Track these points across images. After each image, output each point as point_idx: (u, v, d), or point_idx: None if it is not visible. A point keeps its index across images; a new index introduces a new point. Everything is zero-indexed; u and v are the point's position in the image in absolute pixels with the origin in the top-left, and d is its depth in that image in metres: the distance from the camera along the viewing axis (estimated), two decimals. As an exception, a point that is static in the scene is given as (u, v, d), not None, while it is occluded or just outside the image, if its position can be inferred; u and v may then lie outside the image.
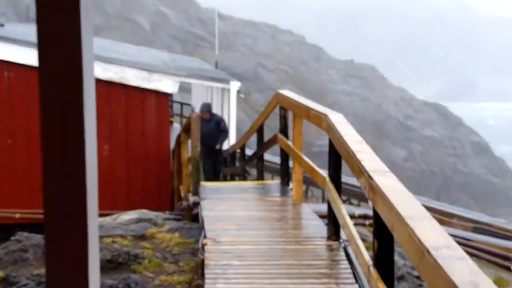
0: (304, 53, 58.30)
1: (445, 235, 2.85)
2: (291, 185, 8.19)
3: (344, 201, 26.21)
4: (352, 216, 10.32)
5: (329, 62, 60.54)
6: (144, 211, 8.35)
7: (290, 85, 48.11)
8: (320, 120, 6.04)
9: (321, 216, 6.91)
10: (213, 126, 12.33)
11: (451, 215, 17.54)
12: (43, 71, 1.34)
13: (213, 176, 12.46)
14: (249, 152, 13.93)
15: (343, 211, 5.10)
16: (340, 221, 5.20)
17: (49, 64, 1.35)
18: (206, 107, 12.40)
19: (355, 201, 22.16)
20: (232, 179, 12.95)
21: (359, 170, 4.24)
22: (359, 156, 4.39)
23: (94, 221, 1.50)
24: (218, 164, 12.68)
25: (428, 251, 2.60)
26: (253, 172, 15.13)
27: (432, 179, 49.12)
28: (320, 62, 59.27)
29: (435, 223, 3.06)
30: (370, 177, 3.92)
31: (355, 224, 9.99)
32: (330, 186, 5.68)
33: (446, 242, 2.75)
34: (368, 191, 3.99)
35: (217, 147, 12.34)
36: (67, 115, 1.40)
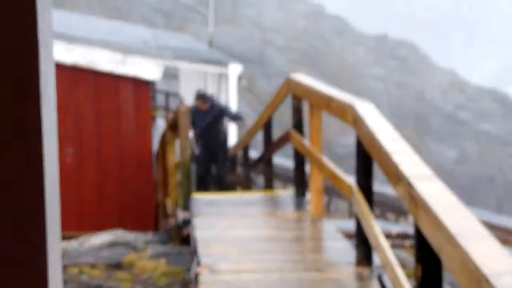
0: (323, 27, 58.31)
1: (509, 258, 2.85)
2: (308, 196, 8.21)
3: (377, 216, 26.29)
4: (388, 236, 10.38)
5: (356, 38, 60.55)
6: (120, 232, 8.38)
7: (305, 68, 48.14)
8: (345, 112, 6.05)
9: (348, 236, 6.92)
10: (213, 117, 12.26)
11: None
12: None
13: (217, 183, 12.42)
14: (254, 154, 13.94)
15: (376, 228, 5.10)
16: (372, 242, 5.20)
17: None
18: (203, 93, 12.39)
19: (391, 216, 22.16)
20: (233, 189, 12.98)
21: (396, 176, 4.24)
22: (396, 157, 4.39)
23: (56, 246, 1.49)
24: (223, 168, 12.65)
25: (486, 279, 2.59)
26: (259, 180, 15.15)
27: (491, 187, 49.08)
28: (344, 38, 59.29)
29: (495, 243, 3.05)
30: (410, 184, 3.92)
31: (392, 246, 10.04)
32: (359, 197, 5.68)
33: (510, 267, 2.75)
34: (408, 203, 3.99)
35: (241, 122, 12.48)
36: (20, 109, 1.40)
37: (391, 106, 50.48)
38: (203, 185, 12.58)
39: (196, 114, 12.10)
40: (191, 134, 11.68)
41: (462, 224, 3.25)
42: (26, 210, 1.40)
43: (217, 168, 12.56)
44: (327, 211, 29.03)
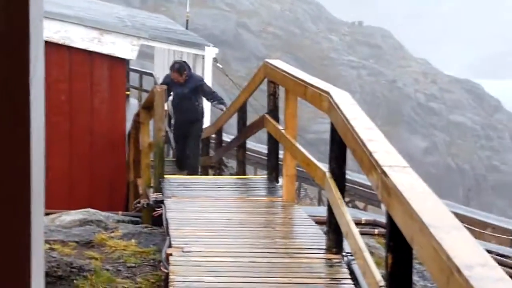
0: (299, 12, 58.29)
1: (480, 250, 2.90)
2: (280, 181, 8.25)
3: (347, 203, 26.41)
4: (357, 223, 10.42)
5: (332, 25, 60.63)
6: (92, 210, 8.37)
7: (280, 53, 48.17)
8: (320, 99, 6.08)
9: (319, 222, 6.97)
10: (189, 92, 11.71)
11: (484, 225, 17.75)
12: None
13: (189, 164, 11.85)
14: (226, 138, 13.95)
15: (347, 216, 5.15)
16: (343, 229, 5.25)
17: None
18: (180, 66, 11.85)
19: (360, 204, 22.32)
20: (205, 172, 12.98)
21: (370, 165, 4.28)
22: (371, 146, 4.43)
23: (39, 224, 1.51)
24: (196, 148, 12.08)
25: (458, 270, 2.63)
26: (232, 163, 15.18)
27: (461, 178, 49.53)
28: (320, 24, 59.33)
29: (468, 234, 3.10)
30: (384, 173, 3.95)
31: (362, 234, 10.10)
32: (332, 184, 5.72)
33: (482, 259, 2.79)
34: (381, 192, 4.03)
35: (222, 107, 11.70)
36: (9, 87, 1.42)
37: (363, 93, 50.70)
38: (179, 164, 12.17)
39: (171, 85, 11.53)
40: (167, 103, 11.30)
41: (435, 215, 3.29)
42: (12, 187, 1.42)
43: (189, 146, 11.92)
44: (297, 197, 29.13)
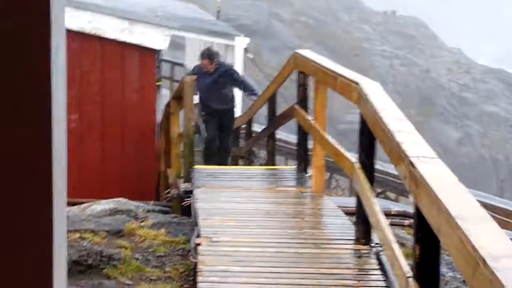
0: (331, 2, 58.01)
1: (508, 241, 2.88)
2: (310, 172, 8.25)
3: (378, 194, 26.31)
4: (387, 214, 10.39)
5: (364, 14, 60.26)
6: (122, 200, 8.43)
7: (312, 43, 47.95)
8: (350, 90, 6.06)
9: (348, 213, 6.97)
10: (219, 81, 11.29)
11: (518, 216, 17.57)
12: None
13: (219, 154, 11.52)
14: (257, 128, 13.95)
15: (376, 207, 5.14)
16: (372, 220, 5.24)
17: (4, 15, 1.37)
18: (209, 53, 11.44)
19: (392, 195, 22.20)
20: (235, 162, 13.01)
21: (398, 155, 4.27)
22: (399, 137, 4.42)
23: (62, 212, 1.52)
24: (226, 140, 11.71)
25: (484, 261, 2.62)
26: (263, 154, 15.18)
27: (494, 169, 49.08)
28: (353, 14, 59.02)
29: (495, 225, 3.08)
30: (412, 164, 3.94)
31: (392, 225, 10.04)
32: (360, 175, 5.71)
33: (508, 250, 2.78)
34: (409, 183, 4.02)
35: (253, 98, 11.29)
36: (30, 77, 1.43)
37: (396, 84, 50.38)
38: (209, 154, 11.59)
39: (200, 75, 11.06)
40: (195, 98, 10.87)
41: (461, 206, 3.28)
42: (33, 175, 1.42)
43: (222, 138, 11.54)
44: (328, 187, 29.09)
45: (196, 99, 10.71)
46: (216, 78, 11.26)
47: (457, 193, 3.47)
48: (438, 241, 3.68)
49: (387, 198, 21.84)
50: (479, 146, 50.09)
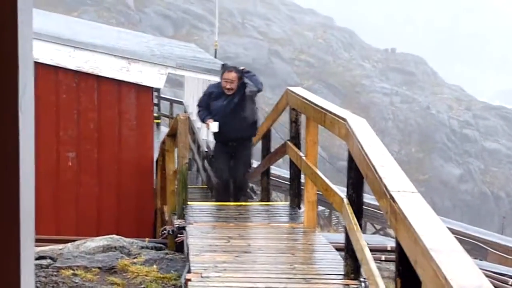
0: (331, 40, 58.47)
1: (478, 273, 2.94)
2: (303, 207, 8.30)
3: (378, 231, 26.25)
4: (383, 250, 10.43)
5: (364, 52, 60.70)
6: (116, 237, 8.47)
7: (312, 80, 48.25)
8: (338, 126, 6.14)
9: (339, 249, 7.00)
10: (239, 103, 9.28)
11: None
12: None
13: (234, 191, 9.62)
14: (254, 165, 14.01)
15: (362, 241, 5.19)
16: (358, 255, 5.29)
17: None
18: (235, 67, 9.49)
19: (392, 232, 22.20)
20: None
21: (380, 190, 4.33)
22: (382, 172, 4.48)
23: (29, 251, 1.52)
24: (242, 170, 9.64)
25: (453, 292, 2.68)
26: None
27: (496, 206, 48.99)
28: (352, 52, 59.45)
29: (467, 257, 3.14)
30: (392, 198, 4.00)
31: (387, 260, 10.09)
32: (349, 210, 5.76)
33: (478, 281, 2.83)
34: (389, 217, 4.08)
35: (250, 84, 9.23)
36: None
37: (396, 121, 50.53)
38: (224, 193, 9.67)
39: (215, 96, 9.36)
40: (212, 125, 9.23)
41: (436, 239, 3.33)
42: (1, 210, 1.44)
43: (235, 170, 9.58)
44: (328, 223, 29.05)
45: (215, 127, 9.20)
46: (236, 100, 9.25)
47: (433, 226, 3.53)
48: (415, 274, 3.74)
49: (386, 235, 21.85)
50: (480, 182, 50.09)
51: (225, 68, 9.45)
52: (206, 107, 9.47)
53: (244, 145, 9.51)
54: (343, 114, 6.18)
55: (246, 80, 9.31)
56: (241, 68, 9.56)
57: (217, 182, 10.00)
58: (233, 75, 9.24)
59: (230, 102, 9.28)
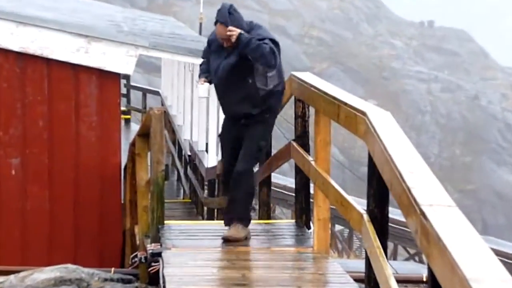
0: (351, 11, 58.53)
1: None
2: (312, 227, 8.28)
3: (412, 256, 26.30)
4: (419, 281, 10.41)
5: (394, 26, 60.76)
6: (72, 266, 8.45)
7: (327, 63, 48.27)
8: (355, 122, 6.13)
9: (358, 280, 6.99)
10: (238, 62, 8.29)
11: None
12: None
13: (228, 186, 8.72)
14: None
15: (386, 270, 5.17)
16: (382, 287, 5.27)
17: None
18: (232, 10, 8.59)
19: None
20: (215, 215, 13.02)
21: (408, 204, 4.32)
22: (410, 180, 4.47)
23: None
24: (247, 164, 8.48)
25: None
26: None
27: None
28: (379, 26, 59.50)
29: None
30: (423, 214, 4.00)
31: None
32: (370, 229, 5.75)
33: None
34: (420, 237, 4.07)
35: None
36: None
37: (435, 114, 50.56)
38: (224, 190, 9.43)
39: (214, 50, 8.61)
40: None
41: (479, 266, 3.33)
42: None
43: (238, 161, 8.53)
44: (348, 247, 29.05)
45: (203, 91, 8.63)
46: (233, 60, 8.37)
47: (475, 250, 3.52)
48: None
49: (422, 261, 21.86)
50: (544, 192, 50.10)
51: (216, 17, 8.52)
52: (208, 61, 8.76)
53: (252, 126, 8.48)
54: (362, 107, 6.16)
55: (247, 50, 8.19)
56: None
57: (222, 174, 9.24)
58: (220, 30, 8.31)
59: (231, 60, 8.36)
